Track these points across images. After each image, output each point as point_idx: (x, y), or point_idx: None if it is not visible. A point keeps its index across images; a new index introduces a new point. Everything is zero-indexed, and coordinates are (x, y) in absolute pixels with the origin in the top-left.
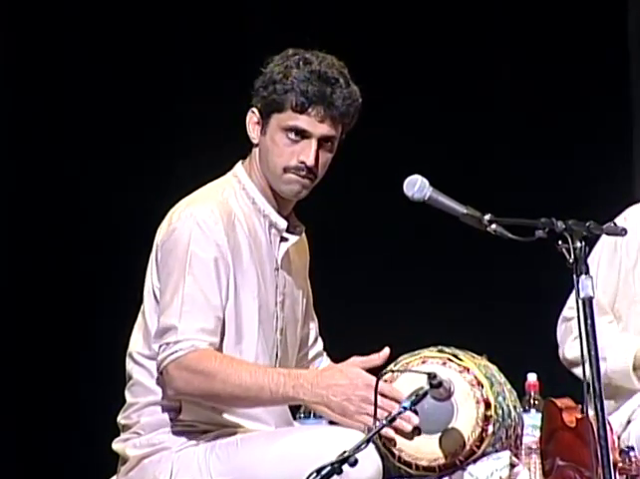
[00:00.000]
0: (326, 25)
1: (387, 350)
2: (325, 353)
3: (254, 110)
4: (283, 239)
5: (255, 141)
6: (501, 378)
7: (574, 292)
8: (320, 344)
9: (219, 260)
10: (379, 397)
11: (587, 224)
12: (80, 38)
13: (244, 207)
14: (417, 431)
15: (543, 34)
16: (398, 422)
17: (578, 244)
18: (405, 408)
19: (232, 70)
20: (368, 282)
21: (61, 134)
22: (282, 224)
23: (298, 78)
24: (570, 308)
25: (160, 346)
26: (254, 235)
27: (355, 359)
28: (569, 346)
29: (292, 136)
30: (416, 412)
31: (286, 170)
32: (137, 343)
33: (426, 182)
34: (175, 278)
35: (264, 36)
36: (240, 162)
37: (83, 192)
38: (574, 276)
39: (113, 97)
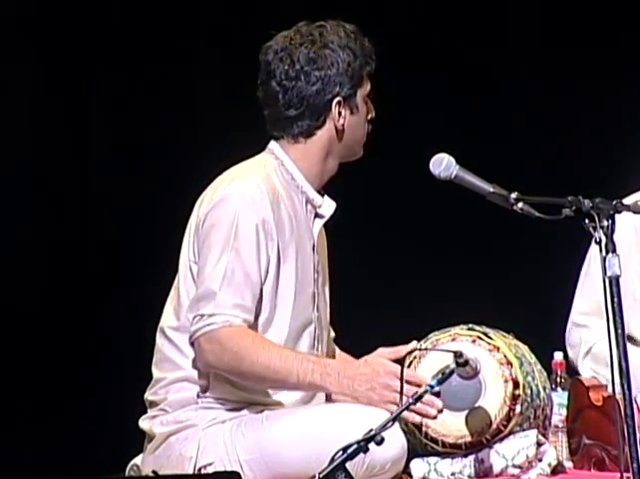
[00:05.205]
0: (355, 3)
1: (414, 343)
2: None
3: (338, 100)
4: (317, 216)
5: (341, 127)
6: (532, 358)
7: (581, 292)
8: (332, 332)
9: (263, 236)
10: (397, 381)
11: (614, 202)
12: (103, 18)
13: (284, 183)
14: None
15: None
16: (420, 407)
17: (605, 223)
18: (431, 386)
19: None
20: (398, 262)
21: (84, 119)
22: (319, 200)
23: (358, 49)
24: (580, 314)
25: (195, 317)
26: (294, 211)
27: (382, 350)
28: (583, 366)
29: (367, 101)
30: (438, 394)
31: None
32: (168, 318)
33: (452, 160)
34: (218, 251)
35: (293, 14)
36: (273, 140)
37: (109, 175)
38: (601, 255)
39: (138, 77)
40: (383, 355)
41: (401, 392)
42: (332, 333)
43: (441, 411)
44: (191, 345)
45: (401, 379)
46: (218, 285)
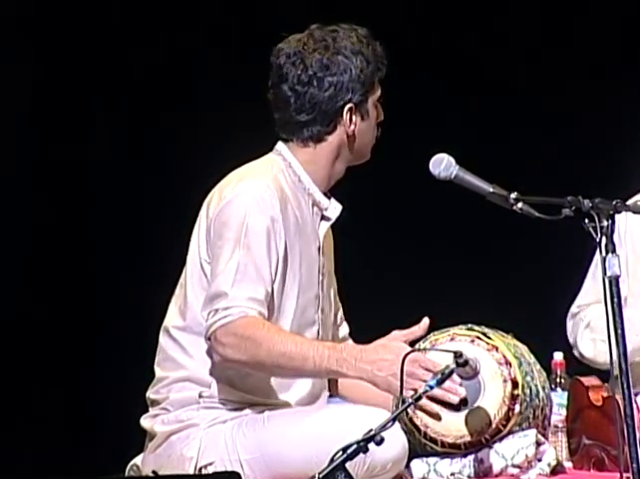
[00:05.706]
0: (355, 3)
1: (426, 321)
2: (350, 339)
3: (350, 106)
4: (323, 219)
5: (352, 133)
6: (531, 358)
7: (584, 291)
8: (347, 328)
9: (273, 235)
10: (421, 370)
11: (614, 202)
12: (104, 18)
13: (291, 184)
14: (463, 403)
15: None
16: (443, 393)
17: (605, 223)
18: (431, 387)
19: (266, 51)
20: (399, 262)
21: (87, 117)
22: (325, 202)
23: (370, 55)
24: (577, 306)
25: (210, 313)
26: (301, 212)
27: (396, 333)
28: (584, 345)
29: (377, 105)
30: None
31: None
32: (172, 317)
33: (452, 160)
34: (229, 249)
35: (297, 15)
36: (281, 142)
37: (113, 176)
38: (601, 255)
39: (138, 77)
40: (399, 339)
41: (401, 388)
42: (347, 329)
43: (464, 401)
44: (208, 340)
45: (401, 374)
46: (232, 281)
